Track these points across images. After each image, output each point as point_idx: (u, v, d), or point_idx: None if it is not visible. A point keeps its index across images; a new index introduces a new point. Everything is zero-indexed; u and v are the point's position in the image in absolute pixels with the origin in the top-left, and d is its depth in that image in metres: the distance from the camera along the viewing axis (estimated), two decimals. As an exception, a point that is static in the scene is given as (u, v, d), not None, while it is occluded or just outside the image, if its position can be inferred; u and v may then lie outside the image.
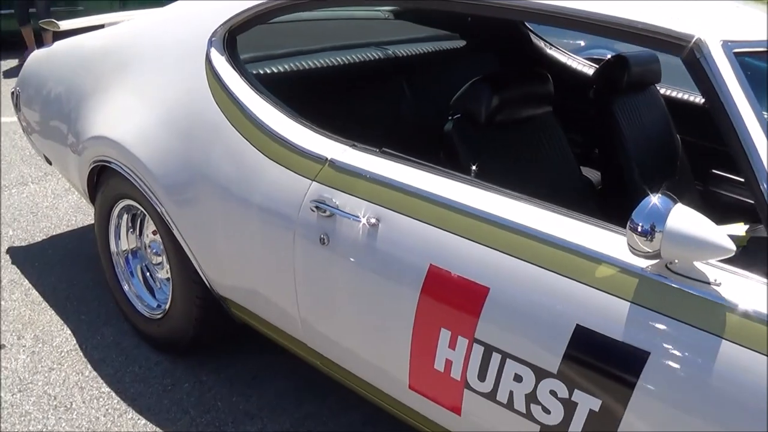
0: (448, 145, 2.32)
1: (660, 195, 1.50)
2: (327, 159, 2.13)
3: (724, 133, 1.60)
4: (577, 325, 1.63)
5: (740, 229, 3.05)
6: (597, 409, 1.62)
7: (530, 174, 2.47)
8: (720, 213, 3.13)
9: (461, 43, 3.68)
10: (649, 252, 1.51)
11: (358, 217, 1.99)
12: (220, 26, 2.44)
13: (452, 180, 1.94)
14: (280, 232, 2.19)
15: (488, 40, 3.58)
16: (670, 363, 1.53)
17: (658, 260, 1.55)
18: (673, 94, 3.31)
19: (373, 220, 1.96)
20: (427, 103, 3.10)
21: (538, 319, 1.69)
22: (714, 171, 3.22)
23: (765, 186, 1.54)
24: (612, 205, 2.73)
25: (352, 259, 2.03)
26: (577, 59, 3.57)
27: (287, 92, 2.40)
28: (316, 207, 2.07)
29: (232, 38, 2.43)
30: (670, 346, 1.53)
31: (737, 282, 1.52)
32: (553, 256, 1.69)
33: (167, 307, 2.80)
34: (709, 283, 1.53)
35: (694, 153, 3.11)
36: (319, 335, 2.26)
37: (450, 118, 2.36)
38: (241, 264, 2.40)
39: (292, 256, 2.18)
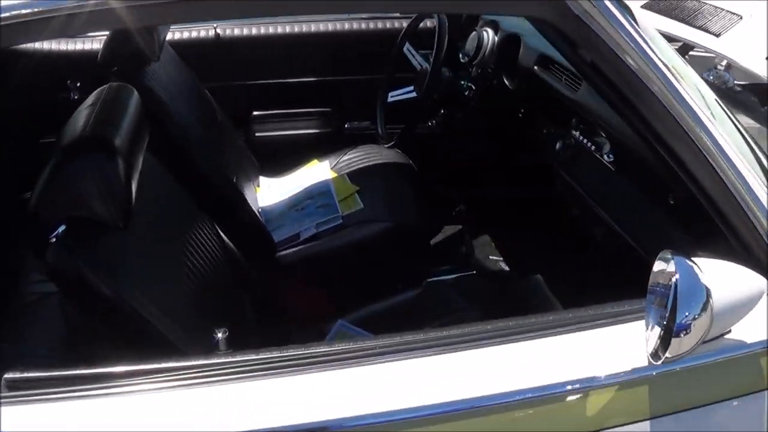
0: (74, 289, 1.29)
1: (666, 257, 0.95)
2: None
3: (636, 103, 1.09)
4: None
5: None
6: None
7: (184, 264, 1.57)
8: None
9: None
10: (691, 347, 0.98)
11: None
12: None
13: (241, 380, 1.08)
14: None
15: None
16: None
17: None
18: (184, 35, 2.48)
19: None
20: None
21: None
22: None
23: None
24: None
25: None
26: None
27: None
28: None
29: None
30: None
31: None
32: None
33: None
34: (723, 336, 1.07)
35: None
36: None
37: (50, 239, 1.30)
38: None
39: None
